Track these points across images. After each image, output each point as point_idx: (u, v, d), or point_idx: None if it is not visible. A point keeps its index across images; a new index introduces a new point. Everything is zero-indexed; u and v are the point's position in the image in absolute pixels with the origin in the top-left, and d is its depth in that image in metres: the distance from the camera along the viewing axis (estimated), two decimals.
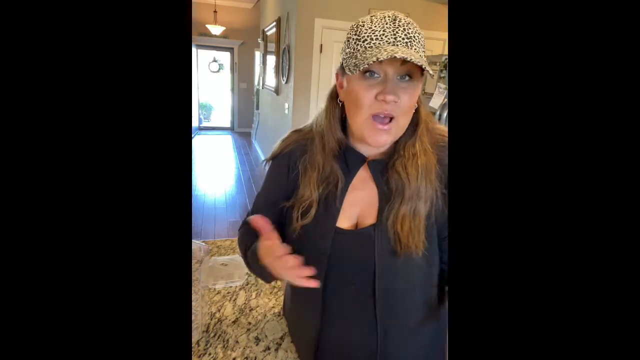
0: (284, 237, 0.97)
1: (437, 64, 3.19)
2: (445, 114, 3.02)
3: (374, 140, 0.80)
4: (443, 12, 4.41)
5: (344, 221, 0.90)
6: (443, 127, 0.91)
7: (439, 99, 3.12)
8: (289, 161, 0.96)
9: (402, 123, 0.81)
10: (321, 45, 4.28)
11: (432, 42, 4.50)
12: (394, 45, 0.74)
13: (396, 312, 0.89)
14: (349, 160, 0.90)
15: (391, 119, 0.79)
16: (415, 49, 0.74)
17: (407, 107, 0.79)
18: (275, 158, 0.99)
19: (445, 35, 4.44)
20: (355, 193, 0.90)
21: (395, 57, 0.70)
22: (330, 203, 0.89)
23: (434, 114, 3.11)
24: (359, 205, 0.90)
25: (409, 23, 0.75)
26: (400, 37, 0.74)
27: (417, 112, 0.85)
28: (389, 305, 0.88)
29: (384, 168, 0.88)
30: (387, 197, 0.86)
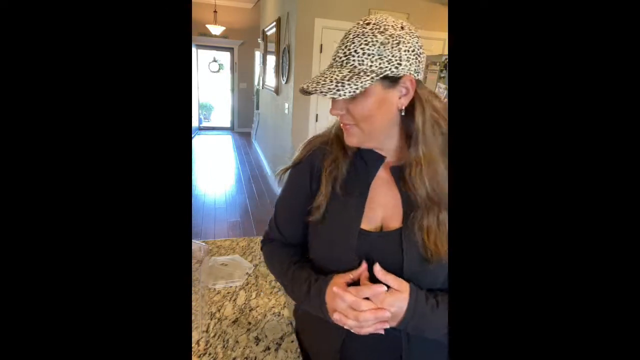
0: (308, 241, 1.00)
1: (437, 64, 3.19)
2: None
3: (345, 139, 0.87)
4: (443, 12, 4.41)
5: (368, 223, 0.90)
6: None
7: None
8: (311, 166, 0.97)
9: (366, 129, 0.83)
10: (321, 45, 4.29)
11: (432, 42, 4.51)
12: (331, 66, 0.82)
13: None
14: (367, 159, 0.92)
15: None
16: (352, 64, 0.78)
17: (361, 116, 0.82)
18: (296, 165, 1.00)
19: (445, 35, 4.43)
20: (379, 195, 0.91)
21: (301, 89, 0.82)
22: (351, 201, 0.90)
23: None
24: (383, 207, 0.90)
25: (357, 35, 0.78)
26: (338, 55, 0.80)
27: (409, 118, 0.84)
28: None
29: (402, 174, 0.87)
30: (408, 203, 0.86)
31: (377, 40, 0.77)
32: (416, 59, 0.80)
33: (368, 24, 0.78)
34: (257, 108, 8.64)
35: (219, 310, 1.29)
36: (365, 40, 0.77)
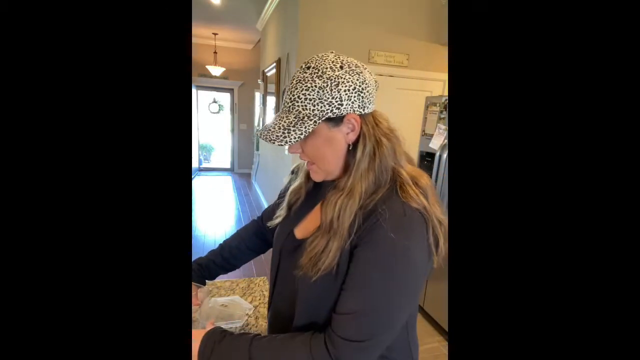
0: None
1: (437, 104, 3.18)
2: (445, 155, 2.99)
3: (312, 177, 0.96)
4: (443, 52, 4.44)
5: (303, 232, 0.98)
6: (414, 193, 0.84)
7: (438, 140, 3.10)
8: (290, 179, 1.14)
9: (322, 166, 0.91)
10: None
11: (432, 83, 4.52)
12: (281, 112, 0.86)
13: (307, 324, 0.92)
14: (323, 185, 0.99)
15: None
16: (297, 110, 0.82)
17: (314, 156, 0.90)
18: (293, 172, 1.17)
19: (445, 76, 4.45)
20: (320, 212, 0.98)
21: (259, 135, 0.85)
22: (292, 213, 1.05)
23: (433, 155, 3.08)
24: (318, 221, 0.95)
25: (300, 80, 0.82)
26: (286, 101, 0.85)
27: (353, 152, 0.87)
28: (301, 315, 0.93)
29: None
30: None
31: (315, 85, 0.81)
32: (358, 95, 0.83)
33: (308, 67, 0.83)
34: (257, 149, 8.68)
35: None
36: (306, 86, 0.82)
